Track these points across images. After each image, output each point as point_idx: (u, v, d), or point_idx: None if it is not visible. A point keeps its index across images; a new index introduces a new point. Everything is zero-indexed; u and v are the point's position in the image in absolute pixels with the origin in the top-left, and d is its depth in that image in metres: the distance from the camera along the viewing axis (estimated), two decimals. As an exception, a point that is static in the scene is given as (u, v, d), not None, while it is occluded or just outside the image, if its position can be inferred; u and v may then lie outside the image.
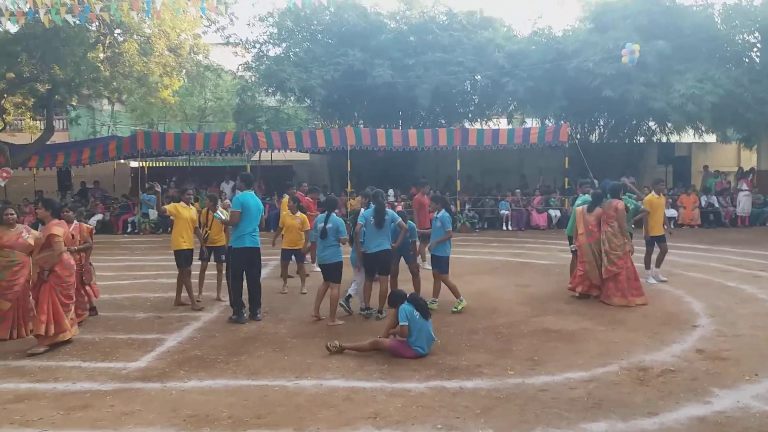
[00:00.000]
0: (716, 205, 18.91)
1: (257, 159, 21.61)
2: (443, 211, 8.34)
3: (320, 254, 7.84)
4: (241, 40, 22.10)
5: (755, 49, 19.77)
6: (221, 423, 4.76)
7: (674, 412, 4.86)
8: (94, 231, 8.50)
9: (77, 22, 11.08)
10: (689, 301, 8.62)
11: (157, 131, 21.58)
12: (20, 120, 22.15)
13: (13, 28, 15.73)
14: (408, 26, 20.98)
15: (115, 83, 18.49)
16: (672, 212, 17.84)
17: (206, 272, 9.34)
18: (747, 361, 5.97)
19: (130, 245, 16.05)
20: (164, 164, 24.82)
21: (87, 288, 7.96)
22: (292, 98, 22.56)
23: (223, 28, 20.56)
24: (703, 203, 18.82)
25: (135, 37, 17.96)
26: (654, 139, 22.99)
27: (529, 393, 5.28)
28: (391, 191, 17.46)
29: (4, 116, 19.26)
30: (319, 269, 8.61)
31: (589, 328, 7.34)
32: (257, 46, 22.09)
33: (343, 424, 4.72)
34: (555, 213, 18.72)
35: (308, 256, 10.69)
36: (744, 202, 18.63)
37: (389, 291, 7.44)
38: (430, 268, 8.84)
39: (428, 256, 9.87)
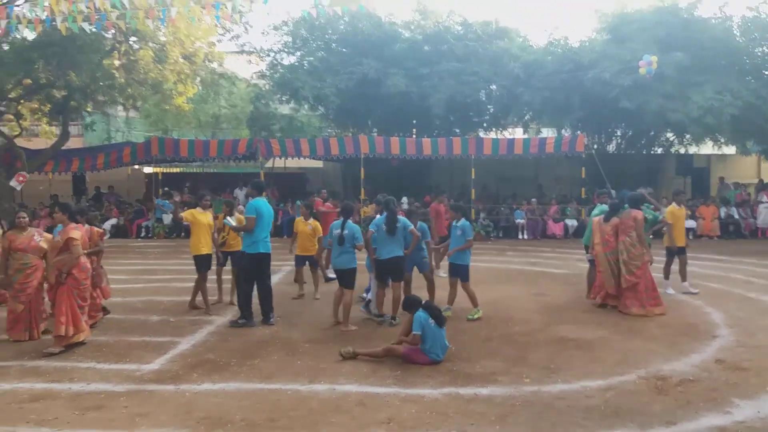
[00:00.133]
0: (736, 216, 18.69)
1: (271, 166, 21.69)
2: (464, 219, 8.29)
3: (335, 259, 7.86)
4: (255, 48, 22.20)
5: (775, 63, 19.57)
6: (234, 426, 4.74)
7: (693, 421, 4.76)
8: (105, 235, 8.54)
9: (93, 29, 11.16)
10: (708, 311, 8.48)
11: (171, 137, 21.70)
12: (36, 125, 22.34)
13: (30, 36, 15.98)
14: (423, 36, 20.93)
15: (130, 90, 18.63)
16: (691, 223, 17.59)
17: (223, 277, 9.34)
18: (768, 372, 5.86)
19: (144, 249, 16.16)
20: (178, 170, 25.01)
21: (98, 290, 7.98)
22: (306, 106, 22.59)
23: (237, 37, 20.61)
24: (722, 215, 18.60)
25: (150, 44, 18.09)
26: (672, 150, 22.78)
27: (545, 401, 5.21)
28: (404, 199, 17.42)
29: (20, 121, 19.49)
30: (333, 276, 8.60)
31: (606, 337, 7.24)
32: (271, 54, 22.19)
33: (357, 428, 4.68)
34: (571, 222, 18.53)
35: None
36: (765, 214, 18.37)
37: (402, 297, 7.43)
38: (445, 275, 8.77)
39: (442, 263, 9.82)
